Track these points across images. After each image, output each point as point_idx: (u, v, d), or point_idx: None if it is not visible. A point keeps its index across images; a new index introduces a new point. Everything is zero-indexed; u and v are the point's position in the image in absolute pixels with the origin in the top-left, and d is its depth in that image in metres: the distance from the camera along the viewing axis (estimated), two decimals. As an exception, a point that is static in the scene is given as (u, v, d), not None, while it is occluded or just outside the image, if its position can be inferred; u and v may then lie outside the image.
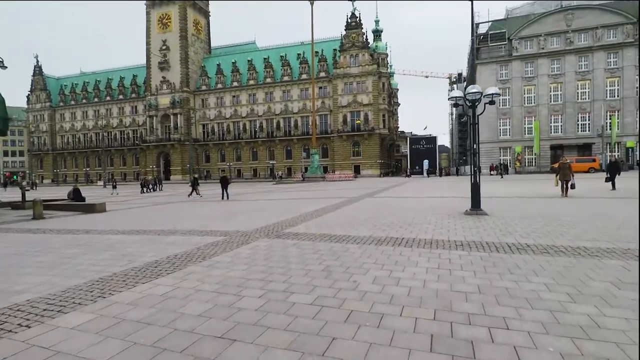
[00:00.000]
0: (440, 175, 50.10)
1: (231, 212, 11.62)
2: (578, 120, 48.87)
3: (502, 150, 52.35)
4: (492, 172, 48.00)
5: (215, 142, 72.89)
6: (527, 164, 51.37)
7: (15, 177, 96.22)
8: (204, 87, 73.72)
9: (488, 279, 4.01)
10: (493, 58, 51.80)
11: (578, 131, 48.71)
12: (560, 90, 49.43)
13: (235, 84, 71.41)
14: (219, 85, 72.45)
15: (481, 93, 9.25)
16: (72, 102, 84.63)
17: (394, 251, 5.42)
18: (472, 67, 56.72)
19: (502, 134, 52.33)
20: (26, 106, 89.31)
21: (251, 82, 70.40)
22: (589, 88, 48.05)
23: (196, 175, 22.93)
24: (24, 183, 54.97)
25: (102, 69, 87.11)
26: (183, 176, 70.66)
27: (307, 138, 64.27)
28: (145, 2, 75.22)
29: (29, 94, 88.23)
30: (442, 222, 8.08)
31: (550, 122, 49.95)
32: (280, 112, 69.16)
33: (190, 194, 21.39)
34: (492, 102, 9.37)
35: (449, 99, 9.67)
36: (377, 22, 71.74)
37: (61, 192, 33.13)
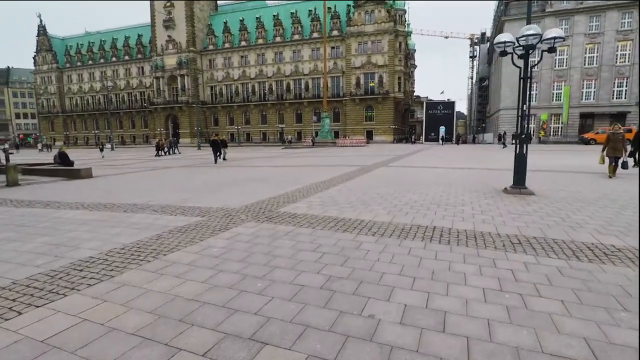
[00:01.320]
0: (457, 142, 47.57)
1: (225, 182, 10.12)
2: (614, 86, 44.99)
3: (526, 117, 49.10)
4: (513, 141, 45.35)
5: (224, 105, 70.76)
6: (552, 134, 48.25)
7: (28, 139, 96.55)
8: (210, 47, 70.53)
9: (595, 322, 2.41)
10: (523, 14, 47.26)
11: (613, 98, 45.00)
12: (597, 52, 45.19)
13: (243, 43, 68.02)
14: (227, 45, 69.16)
15: (540, 36, 7.19)
16: (79, 63, 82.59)
17: (426, 251, 3.83)
18: (498, 26, 52.27)
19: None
20: (33, 67, 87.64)
21: (260, 41, 66.89)
22: (629, 49, 43.68)
23: (223, 137, 21.31)
24: (40, 145, 54.51)
25: (106, 29, 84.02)
26: (191, 139, 69.37)
27: (318, 101, 61.61)
28: (147, -47, 70.67)
29: (35, 55, 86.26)
30: (479, 204, 6.41)
31: (582, 88, 46.14)
32: (290, 74, 66.10)
33: (220, 157, 19.22)
34: (552, 50, 7.34)
35: (495, 44, 7.65)
36: (395, -26, 66.32)
37: (76, 154, 32.22)
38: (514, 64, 7.88)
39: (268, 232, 4.54)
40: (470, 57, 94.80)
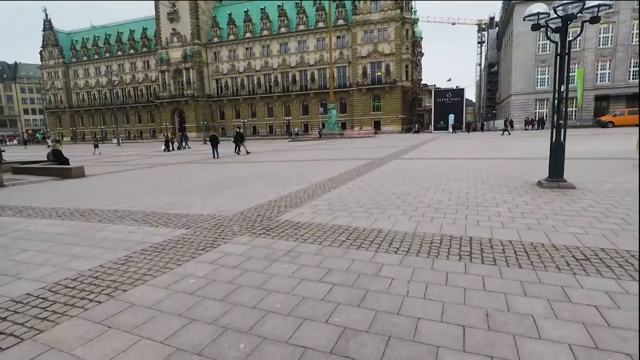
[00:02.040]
0: (468, 130, 46.05)
1: (223, 180, 9.25)
2: (630, 66, 43.00)
3: (538, 103, 47.33)
4: (527, 127, 43.68)
5: (230, 98, 69.91)
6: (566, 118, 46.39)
7: (37, 134, 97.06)
8: (215, 39, 69.44)
9: None
10: (535, -4, 45.16)
11: (629, 79, 43.03)
12: (612, 32, 43.14)
13: (248, 35, 66.81)
14: (231, 37, 68.02)
15: (582, 4, 6.08)
16: (85, 58, 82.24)
17: (469, 278, 2.89)
18: (508, 9, 50.23)
19: (539, 84, 46.93)
20: (40, 63, 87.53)
21: (265, 32, 65.61)
22: (648, 28, 41.65)
23: (239, 129, 20.92)
24: (49, 141, 54.31)
25: (112, 22, 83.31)
26: (198, 133, 68.74)
27: (325, 92, 60.36)
28: (149, -56, 69.32)
29: (41, 50, 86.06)
30: (515, 203, 5.41)
31: (597, 70, 44.20)
32: (296, 65, 64.84)
33: (237, 150, 19.73)
34: (595, 20, 6.23)
35: (525, 18, 6.59)
36: (402, -41, 64.14)
37: (75, 151, 31.58)
38: (548, 38, 6.80)
39: (263, 252, 3.63)
40: (479, 42, 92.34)
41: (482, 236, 3.89)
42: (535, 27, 6.47)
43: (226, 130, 71.38)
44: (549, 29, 6.59)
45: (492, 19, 75.11)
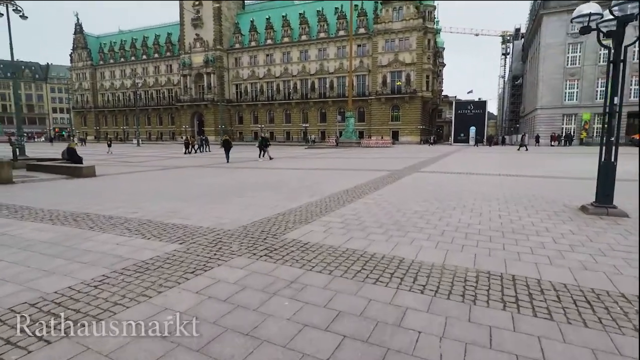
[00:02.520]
0: (490, 144, 44.65)
1: (232, 187, 8.76)
2: (666, 82, 41.03)
3: (565, 118, 45.59)
4: (552, 143, 42.06)
5: (248, 103, 70.35)
6: (595, 134, 44.44)
7: (63, 132, 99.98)
8: (237, 45, 70.24)
9: None
10: (564, 6, 43.73)
11: (665, 95, 41.02)
12: (647, 46, 41.33)
13: (269, 41, 67.28)
14: (253, 43, 68.65)
15: (643, 3, 5.28)
16: (111, 61, 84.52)
17: (521, 341, 2.20)
18: (535, 20, 48.89)
19: (567, 98, 45.21)
20: (70, 64, 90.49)
21: (285, 39, 65.93)
22: (688, 43, 39.56)
23: (265, 135, 21.02)
24: (75, 139, 55.76)
25: (138, 27, 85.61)
26: (216, 137, 69.32)
27: (343, 100, 59.92)
28: (177, -47, 71.19)
29: (71, 53, 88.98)
30: (559, 231, 4.67)
31: (631, 85, 42.27)
32: (315, 72, 64.76)
33: (261, 155, 19.65)
34: (657, 23, 5.43)
35: (575, 19, 5.80)
36: (426, -31, 63.63)
37: (95, 149, 32.19)
38: (600, 43, 6.03)
39: (262, 281, 3.03)
40: (503, 54, 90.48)
41: (527, 275, 3.19)
42: (585, 30, 5.71)
43: (244, 134, 71.77)
44: (600, 32, 5.81)
45: (517, 30, 73.47)
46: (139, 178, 10.94)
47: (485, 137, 51.63)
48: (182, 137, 69.60)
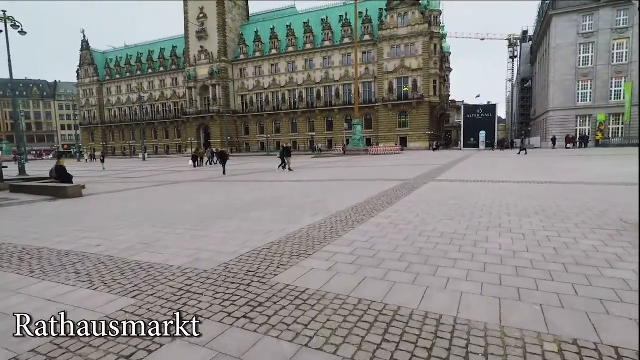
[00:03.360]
0: (501, 148, 43.24)
1: (224, 206, 7.78)
2: (686, 81, 39.31)
3: (579, 119, 44.04)
4: (568, 145, 40.50)
5: (254, 114, 70.01)
6: (611, 135, 42.81)
7: (72, 149, 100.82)
8: (242, 56, 70.23)
9: None
10: (574, 7, 42.52)
11: (684, 94, 39.29)
12: (664, 43, 39.79)
13: (273, 51, 67.13)
14: (257, 54, 68.56)
15: None
16: (117, 76, 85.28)
17: None
18: (544, 21, 47.74)
19: (580, 99, 43.71)
20: (77, 81, 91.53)
21: (290, 49, 65.71)
22: None
23: (287, 145, 20.07)
24: (86, 156, 55.55)
25: (144, 42, 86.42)
26: (222, 149, 68.97)
27: (349, 108, 59.18)
28: (182, -32, 71.87)
29: (78, 69, 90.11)
30: (635, 258, 3.58)
31: (652, 80, 40.62)
32: (320, 81, 64.27)
33: (282, 166, 18.66)
34: None
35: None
36: (430, -26, 63.12)
37: (93, 166, 31.78)
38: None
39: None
40: (511, 57, 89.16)
41: (632, 347, 2.10)
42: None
43: (250, 145, 71.27)
44: None
45: (525, 32, 72.31)
46: (130, 197, 10.03)
47: (496, 141, 50.27)
48: (186, 150, 69.34)
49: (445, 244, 4.34)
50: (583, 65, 42.50)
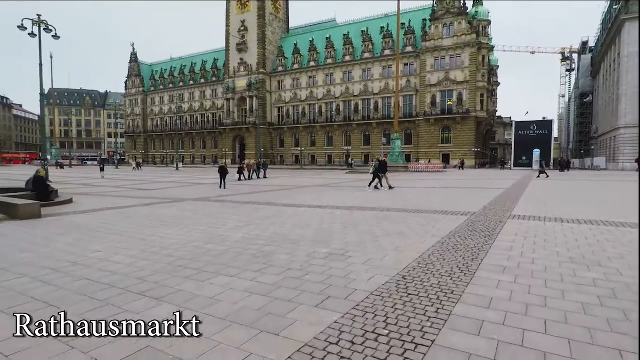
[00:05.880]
0: (561, 169, 38.39)
1: (190, 259, 5.26)
2: None
3: (656, 139, 38.41)
4: (642, 168, 35.09)
5: (290, 126, 68.95)
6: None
7: (115, 157, 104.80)
8: (280, 68, 69.86)
9: None
10: (652, 11, 37.49)
11: None
12: None
13: (312, 63, 66.06)
14: (296, 66, 67.83)
15: None
16: (161, 87, 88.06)
17: None
18: (614, 28, 42.74)
19: (657, 115, 38.17)
20: (124, 91, 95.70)
21: (329, 61, 64.37)
22: None
23: (384, 157, 17.87)
24: (133, 164, 56.60)
25: (188, 54, 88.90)
26: (256, 160, 68.17)
27: (388, 122, 56.37)
28: (226, -16, 73.32)
29: (126, 80, 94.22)
30: None
31: None
32: (359, 93, 62.12)
33: (375, 184, 15.80)
34: None
35: None
36: (478, -18, 59.68)
37: (140, 175, 30.83)
38: None
39: None
40: (567, 70, 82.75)
41: None
42: None
43: (285, 158, 70.00)
44: None
45: (585, 43, 66.37)
46: (100, 225, 7.84)
47: (552, 161, 45.39)
48: (221, 161, 69.21)
49: None
50: (661, 77, 37.19)
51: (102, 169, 31.84)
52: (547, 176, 26.11)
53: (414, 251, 5.19)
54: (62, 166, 55.26)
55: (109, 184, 22.23)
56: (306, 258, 4.95)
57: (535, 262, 4.64)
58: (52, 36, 22.13)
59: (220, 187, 17.85)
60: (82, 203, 11.87)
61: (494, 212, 8.75)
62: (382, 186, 15.76)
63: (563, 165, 38.38)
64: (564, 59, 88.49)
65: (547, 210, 9.00)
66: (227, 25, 73.43)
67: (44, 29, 21.72)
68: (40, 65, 22.21)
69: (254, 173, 27.25)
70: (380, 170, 15.72)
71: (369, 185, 15.80)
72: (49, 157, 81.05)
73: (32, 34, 21.44)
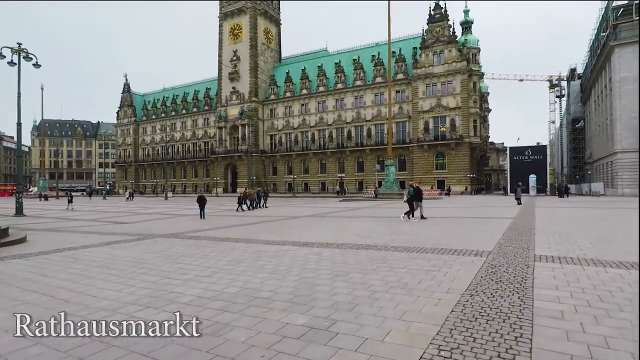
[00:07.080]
0: (560, 195, 37.35)
1: (167, 307, 3.86)
2: None
3: (654, 162, 37.66)
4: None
5: (283, 154, 67.99)
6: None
7: (104, 187, 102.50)
8: (272, 97, 69.76)
9: None
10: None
11: None
12: None
13: (304, 91, 66.06)
14: (288, 94, 67.81)
15: None
16: (153, 117, 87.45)
17: None
18: (603, 54, 43.10)
19: (654, 139, 37.61)
20: (116, 121, 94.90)
21: (321, 88, 64.40)
22: None
23: (418, 184, 16.40)
24: (126, 194, 54.42)
25: (181, 84, 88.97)
26: (262, 188, 66.58)
27: (382, 148, 55.65)
28: (218, 15, 74.44)
29: (118, 110, 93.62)
30: None
31: None
32: (351, 120, 61.77)
33: (408, 213, 14.24)
34: None
35: None
36: (466, 12, 61.28)
37: (125, 205, 28.88)
38: None
39: None
40: (557, 96, 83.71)
41: None
42: None
43: (277, 186, 68.54)
44: None
45: (573, 70, 67.36)
46: (29, 276, 6.12)
47: (555, 187, 44.58)
48: (212, 190, 67.43)
49: None
50: (654, 101, 37.00)
51: (69, 201, 28.66)
52: (520, 203, 24.35)
53: (427, 321, 3.69)
54: (46, 198, 53.05)
55: (86, 217, 20.53)
56: (273, 337, 3.42)
57: (610, 343, 3.15)
58: (33, 65, 21.14)
59: (201, 217, 17.66)
60: (36, 242, 10.25)
61: (513, 250, 7.28)
62: (412, 216, 14.12)
63: (561, 191, 37.35)
64: (552, 85, 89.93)
65: (575, 248, 7.55)
66: (220, 55, 73.86)
67: (23, 57, 20.72)
68: (19, 94, 21.15)
69: (256, 202, 24.83)
70: (416, 198, 14.15)
71: (406, 215, 14.13)
72: (35, 188, 78.29)
73: (11, 63, 20.45)
